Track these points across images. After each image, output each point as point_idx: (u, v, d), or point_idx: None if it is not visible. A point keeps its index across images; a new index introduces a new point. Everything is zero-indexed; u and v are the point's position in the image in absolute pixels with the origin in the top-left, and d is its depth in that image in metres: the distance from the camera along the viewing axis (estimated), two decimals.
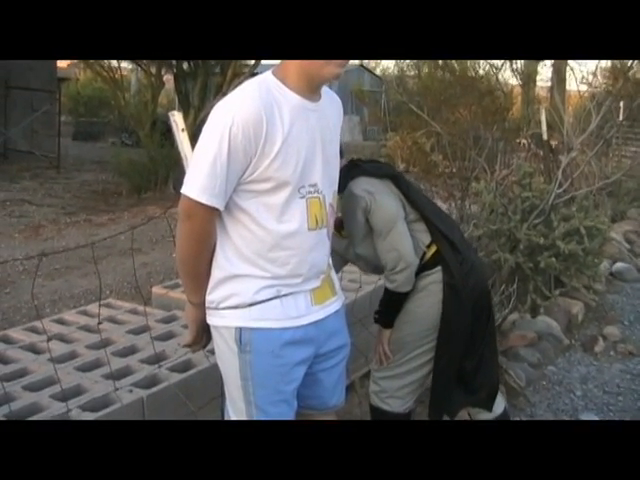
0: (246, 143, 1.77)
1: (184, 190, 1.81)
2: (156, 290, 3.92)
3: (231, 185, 1.82)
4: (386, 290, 2.62)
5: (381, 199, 2.49)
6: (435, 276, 2.60)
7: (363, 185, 2.49)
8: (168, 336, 3.18)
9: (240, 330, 1.89)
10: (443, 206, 5.22)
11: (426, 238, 2.62)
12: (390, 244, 2.51)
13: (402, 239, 2.52)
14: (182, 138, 2.31)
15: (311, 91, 1.91)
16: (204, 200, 1.78)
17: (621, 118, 9.11)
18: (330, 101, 2.02)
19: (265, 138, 1.78)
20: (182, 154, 2.32)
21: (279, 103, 1.83)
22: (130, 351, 3.03)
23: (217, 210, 1.82)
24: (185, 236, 1.87)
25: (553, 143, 7.56)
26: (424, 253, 2.60)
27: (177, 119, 2.30)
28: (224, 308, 1.92)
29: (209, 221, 1.85)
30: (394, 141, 13.73)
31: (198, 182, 1.79)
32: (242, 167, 1.80)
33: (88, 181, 12.34)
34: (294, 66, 1.85)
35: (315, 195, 1.93)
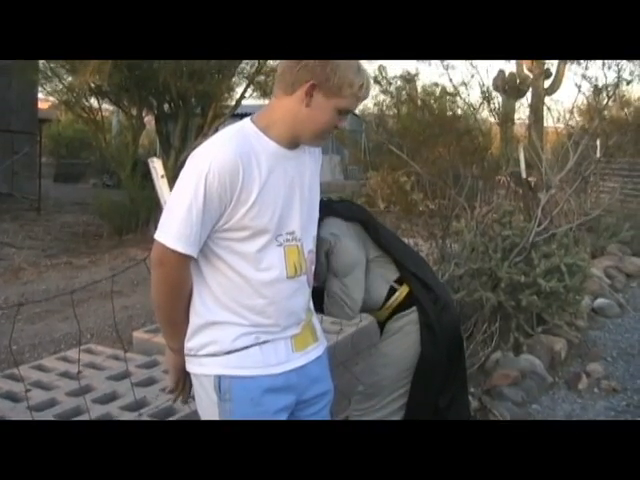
0: (221, 191, 1.76)
1: (158, 236, 1.80)
2: (137, 334, 3.89)
3: (205, 232, 1.81)
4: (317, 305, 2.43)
5: (345, 244, 2.51)
6: (411, 317, 2.62)
7: (330, 228, 2.49)
8: (149, 382, 3.15)
9: (219, 378, 1.87)
10: (424, 245, 5.24)
11: (393, 274, 2.64)
12: (343, 288, 2.53)
13: (355, 287, 2.54)
14: (161, 184, 2.31)
15: (293, 144, 1.92)
16: (179, 248, 1.77)
17: (598, 155, 9.24)
18: (309, 147, 2.01)
19: (241, 187, 1.78)
20: (162, 200, 2.31)
21: (256, 151, 1.83)
22: (110, 398, 2.99)
23: (191, 257, 1.81)
24: (159, 282, 1.85)
25: (532, 181, 7.64)
26: (395, 290, 2.62)
27: (157, 165, 2.30)
28: (203, 355, 1.90)
29: (183, 268, 1.84)
30: (375, 180, 13.84)
31: (173, 229, 1.78)
32: (217, 215, 1.80)
33: (69, 223, 12.27)
34: (284, 120, 1.86)
35: (293, 243, 1.92)
